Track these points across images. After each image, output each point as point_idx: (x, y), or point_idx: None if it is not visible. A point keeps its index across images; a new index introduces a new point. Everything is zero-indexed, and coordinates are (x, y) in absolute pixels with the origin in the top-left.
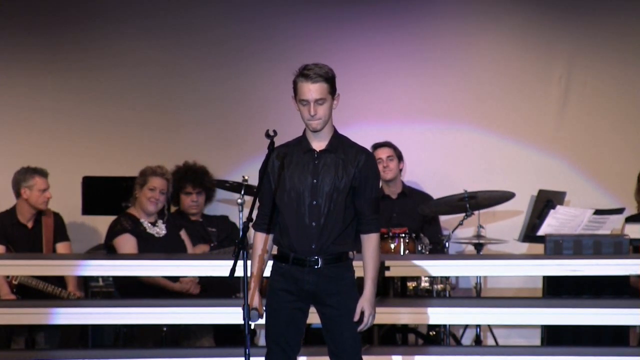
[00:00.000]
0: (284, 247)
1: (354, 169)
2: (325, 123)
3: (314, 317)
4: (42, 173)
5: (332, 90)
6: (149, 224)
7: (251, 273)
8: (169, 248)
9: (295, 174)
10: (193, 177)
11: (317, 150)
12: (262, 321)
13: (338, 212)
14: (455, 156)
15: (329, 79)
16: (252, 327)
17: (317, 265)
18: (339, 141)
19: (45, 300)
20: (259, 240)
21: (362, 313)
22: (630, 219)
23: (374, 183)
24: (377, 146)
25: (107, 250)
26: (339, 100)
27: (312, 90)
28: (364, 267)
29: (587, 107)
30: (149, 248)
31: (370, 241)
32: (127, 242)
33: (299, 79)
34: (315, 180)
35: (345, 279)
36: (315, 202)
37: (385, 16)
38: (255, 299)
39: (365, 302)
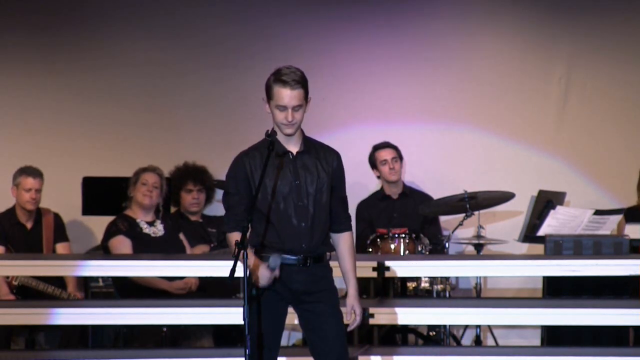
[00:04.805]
0: (273, 249)
1: (330, 169)
2: (299, 127)
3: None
4: (32, 173)
5: (307, 95)
6: (146, 224)
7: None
8: (167, 248)
9: (276, 177)
10: (194, 175)
11: (294, 152)
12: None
13: (323, 212)
14: (455, 156)
15: (305, 84)
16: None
17: (307, 264)
18: (310, 142)
19: (45, 301)
20: (239, 237)
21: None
22: (629, 211)
23: (343, 182)
24: (379, 147)
25: (104, 252)
26: (310, 102)
27: (292, 97)
28: (345, 265)
29: (587, 107)
30: (146, 249)
31: (346, 239)
32: (121, 243)
33: (275, 84)
34: (297, 182)
35: (329, 278)
36: (300, 203)
37: (385, 16)
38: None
39: (354, 300)
